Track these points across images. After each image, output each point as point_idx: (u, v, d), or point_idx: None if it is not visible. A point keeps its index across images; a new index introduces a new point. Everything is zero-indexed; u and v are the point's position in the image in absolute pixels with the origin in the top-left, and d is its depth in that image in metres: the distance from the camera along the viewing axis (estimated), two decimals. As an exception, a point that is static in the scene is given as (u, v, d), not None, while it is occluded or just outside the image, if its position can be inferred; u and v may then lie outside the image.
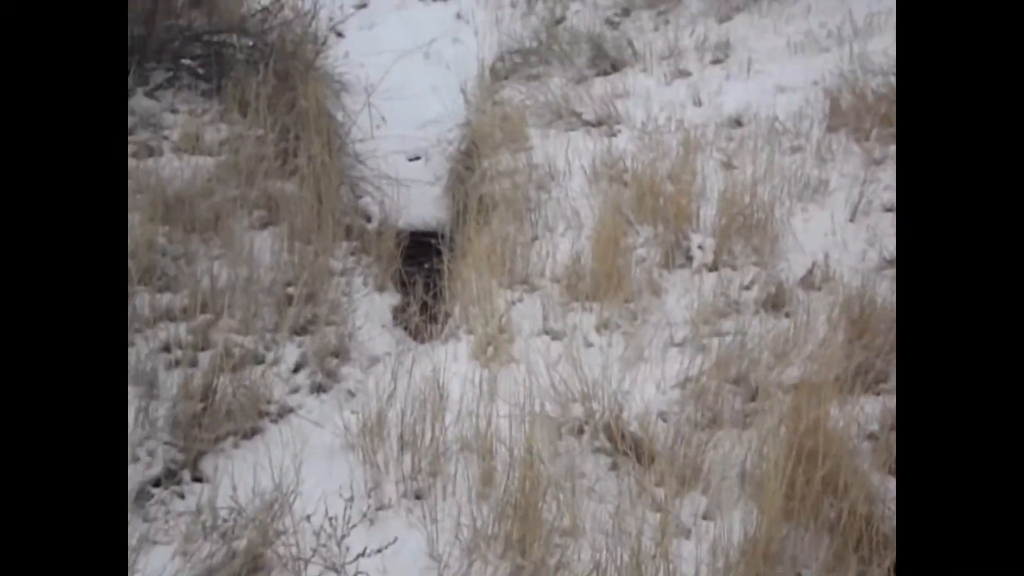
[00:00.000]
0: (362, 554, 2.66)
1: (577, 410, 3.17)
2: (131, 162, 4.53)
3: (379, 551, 2.69)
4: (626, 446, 2.95)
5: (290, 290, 4.05)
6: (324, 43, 5.93)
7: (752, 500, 2.73)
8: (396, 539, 2.78)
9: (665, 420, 3.08)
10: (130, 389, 3.42)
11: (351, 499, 2.90)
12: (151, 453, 3.22)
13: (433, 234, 5.16)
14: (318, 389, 3.69)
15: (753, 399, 3.11)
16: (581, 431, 3.14)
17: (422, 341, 4.08)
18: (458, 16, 7.94)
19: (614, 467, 3.01)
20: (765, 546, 2.50)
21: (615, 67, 5.94)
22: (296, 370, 3.74)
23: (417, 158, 6.06)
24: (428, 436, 3.20)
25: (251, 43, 5.40)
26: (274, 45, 5.50)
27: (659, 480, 2.85)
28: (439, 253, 4.68)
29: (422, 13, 7.99)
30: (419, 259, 4.66)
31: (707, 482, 2.84)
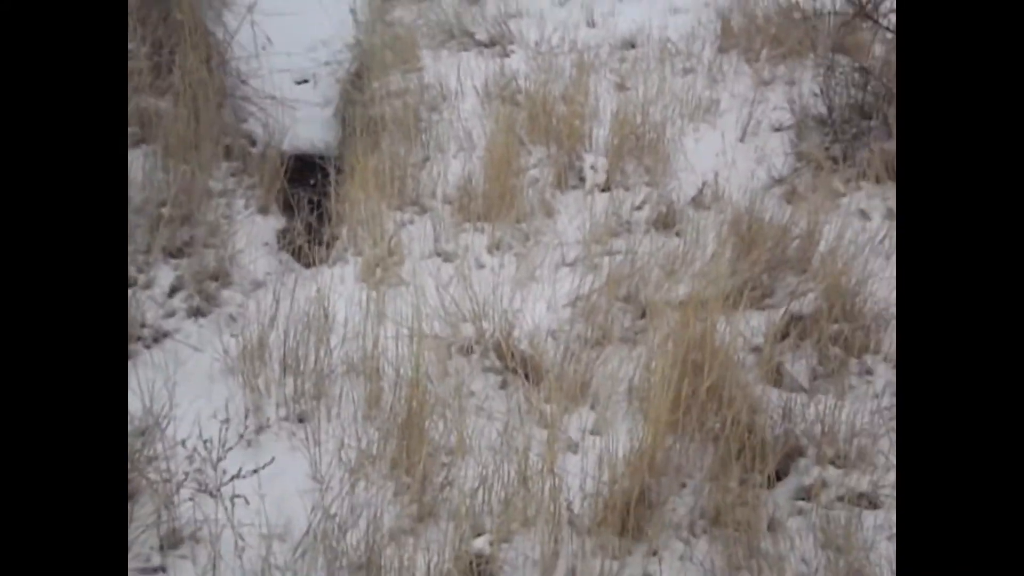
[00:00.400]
0: (237, 475, 2.55)
1: (468, 330, 3.10)
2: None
3: (255, 472, 2.59)
4: (516, 364, 2.90)
5: (164, 210, 3.84)
6: (201, -46, 5.60)
7: (639, 414, 2.71)
8: (273, 459, 2.69)
9: (555, 338, 3.04)
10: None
11: (227, 421, 2.78)
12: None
13: (321, 156, 5.01)
14: (196, 313, 3.53)
15: (643, 316, 3.09)
16: (471, 351, 3.07)
17: (308, 265, 3.94)
18: (352, -65, 7.66)
19: (503, 385, 2.96)
20: (651, 457, 2.49)
21: (508, -13, 5.79)
22: (171, 293, 3.57)
23: (305, 80, 5.83)
24: (312, 358, 3.09)
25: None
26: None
27: (548, 397, 2.81)
28: (326, 175, 4.53)
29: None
30: (305, 182, 4.48)
31: (595, 398, 2.82)
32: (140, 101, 4.38)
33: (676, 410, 2.53)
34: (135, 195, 3.84)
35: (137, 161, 4.08)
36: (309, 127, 5.27)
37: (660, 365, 2.60)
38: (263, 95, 5.29)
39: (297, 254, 4.01)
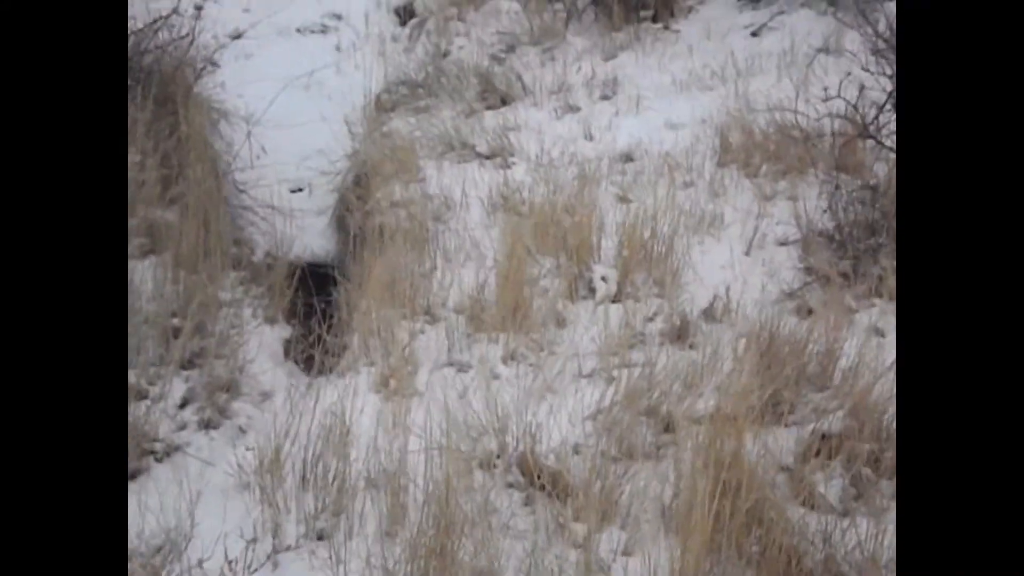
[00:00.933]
0: (269, 599, 2.49)
1: (489, 443, 3.08)
2: None
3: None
4: (541, 480, 2.88)
5: (175, 321, 3.83)
6: (204, 69, 5.72)
7: (673, 534, 2.69)
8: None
9: (578, 453, 3.02)
10: (1, 428, 3.15)
11: (253, 540, 2.73)
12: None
13: (322, 265, 5.04)
14: (207, 425, 3.50)
15: (666, 431, 3.09)
16: (493, 465, 3.05)
17: (316, 375, 3.92)
18: (337, 48, 7.84)
19: (528, 502, 2.93)
20: (690, 579, 2.47)
21: (504, 101, 5.94)
22: (183, 405, 3.53)
23: (300, 189, 5.91)
24: (331, 472, 3.05)
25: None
26: (151, 69, 5.26)
27: (576, 515, 2.78)
28: (332, 284, 4.55)
29: (301, 44, 7.85)
30: (311, 290, 4.49)
31: (625, 516, 2.79)
32: (149, 213, 4.41)
33: (714, 532, 2.51)
34: (146, 306, 3.83)
35: (147, 271, 4.09)
36: (307, 236, 5.33)
37: (695, 484, 2.60)
38: (263, 204, 5.36)
39: (305, 364, 4.00)
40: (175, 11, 5.42)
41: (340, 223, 5.53)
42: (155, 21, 5.33)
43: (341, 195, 5.74)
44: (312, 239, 5.42)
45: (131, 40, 5.27)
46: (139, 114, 4.73)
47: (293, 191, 5.84)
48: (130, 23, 5.60)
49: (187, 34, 5.45)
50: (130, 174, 4.46)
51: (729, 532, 2.50)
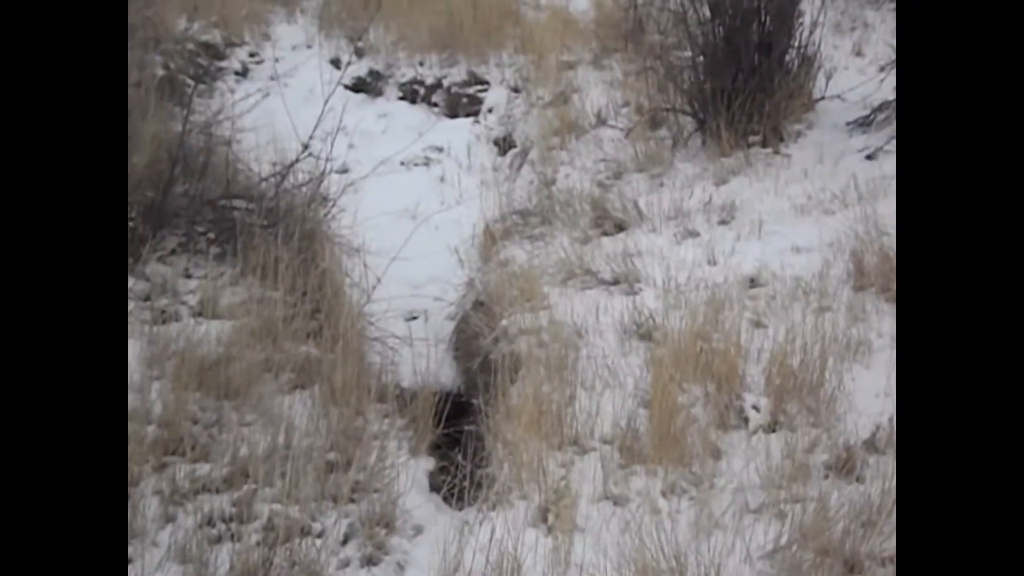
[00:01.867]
0: None
1: (668, 583, 3.02)
2: (152, 328, 4.40)
3: None
4: (733, 624, 2.80)
5: (330, 456, 3.88)
6: (334, 204, 5.93)
7: None
8: None
9: (762, 594, 2.94)
10: (178, 568, 3.21)
11: None
12: (209, 638, 2.97)
13: (453, 395, 5.08)
14: (368, 562, 3.50)
15: (850, 572, 3.00)
16: (673, 606, 2.98)
17: (463, 507, 3.92)
18: (441, 179, 8.09)
19: (716, 646, 2.85)
20: None
21: (620, 227, 6.02)
22: (345, 542, 3.55)
23: (415, 317, 6.02)
24: (507, 615, 3.02)
25: (265, 207, 5.37)
26: (286, 208, 5.48)
27: (773, 661, 2.70)
28: (469, 414, 4.57)
29: (405, 177, 8.12)
30: (450, 422, 4.51)
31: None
32: (293, 348, 4.53)
33: None
34: (301, 441, 3.89)
35: (297, 407, 4.17)
36: (431, 365, 5.39)
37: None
38: (389, 335, 5.46)
39: (451, 497, 3.99)
40: (310, 153, 5.66)
41: (461, 351, 5.60)
42: (292, 163, 5.57)
43: (458, 323, 5.83)
44: (437, 368, 5.47)
45: (271, 181, 5.53)
46: (282, 252, 4.91)
47: (408, 320, 5.95)
48: (260, 166, 5.89)
49: (320, 174, 5.67)
50: (277, 311, 4.61)
51: None
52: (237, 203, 5.31)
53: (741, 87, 6.45)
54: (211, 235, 5.17)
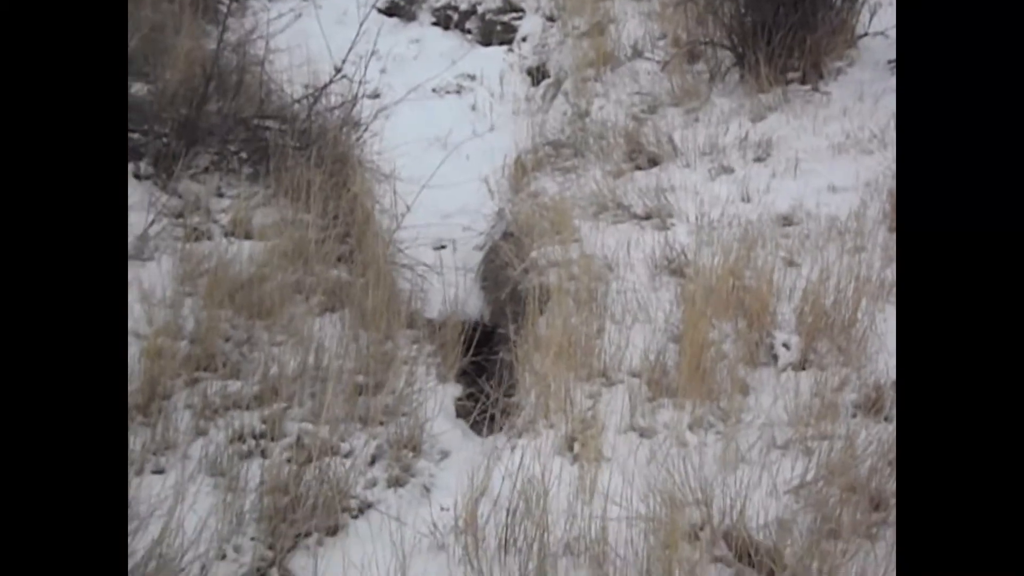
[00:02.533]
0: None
1: (692, 514, 3.04)
2: (184, 245, 4.42)
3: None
4: (757, 557, 2.82)
5: (360, 378, 3.91)
6: (365, 129, 5.89)
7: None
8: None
9: (787, 529, 2.95)
10: (209, 480, 3.26)
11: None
12: (238, 550, 3.03)
13: (481, 324, 5.09)
14: (395, 483, 3.54)
15: (876, 509, 3.01)
16: (696, 537, 3.00)
17: (488, 434, 3.95)
18: (473, 108, 8.03)
19: (738, 578, 2.87)
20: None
21: (654, 162, 5.95)
22: (372, 463, 3.59)
23: (443, 246, 6.02)
24: (532, 537, 3.05)
25: (297, 128, 5.34)
26: (319, 131, 5.45)
27: (795, 594, 2.72)
28: (497, 343, 4.59)
29: (437, 105, 8.07)
30: (479, 349, 4.53)
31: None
32: (324, 271, 4.54)
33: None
34: (331, 363, 3.92)
35: (327, 329, 4.19)
36: (464, 294, 5.39)
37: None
38: (419, 262, 5.46)
39: (478, 423, 4.02)
40: (343, 75, 5.61)
41: (489, 281, 5.60)
42: (326, 85, 5.52)
43: (487, 253, 5.81)
44: (464, 297, 5.47)
45: (302, 104, 5.49)
46: (314, 175, 4.90)
47: (437, 248, 5.95)
48: (293, 87, 5.85)
49: (353, 97, 5.62)
50: (309, 233, 4.61)
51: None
52: (270, 123, 5.29)
53: (782, 21, 6.31)
54: (244, 155, 5.16)
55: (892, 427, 3.36)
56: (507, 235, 5.72)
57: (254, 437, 3.50)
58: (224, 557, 2.99)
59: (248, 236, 4.65)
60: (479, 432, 4.03)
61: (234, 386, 3.71)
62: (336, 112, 5.60)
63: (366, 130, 5.80)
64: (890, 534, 2.89)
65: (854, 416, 3.47)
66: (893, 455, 3.19)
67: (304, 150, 5.14)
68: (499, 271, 5.46)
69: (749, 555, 2.88)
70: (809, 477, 3.15)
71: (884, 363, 3.70)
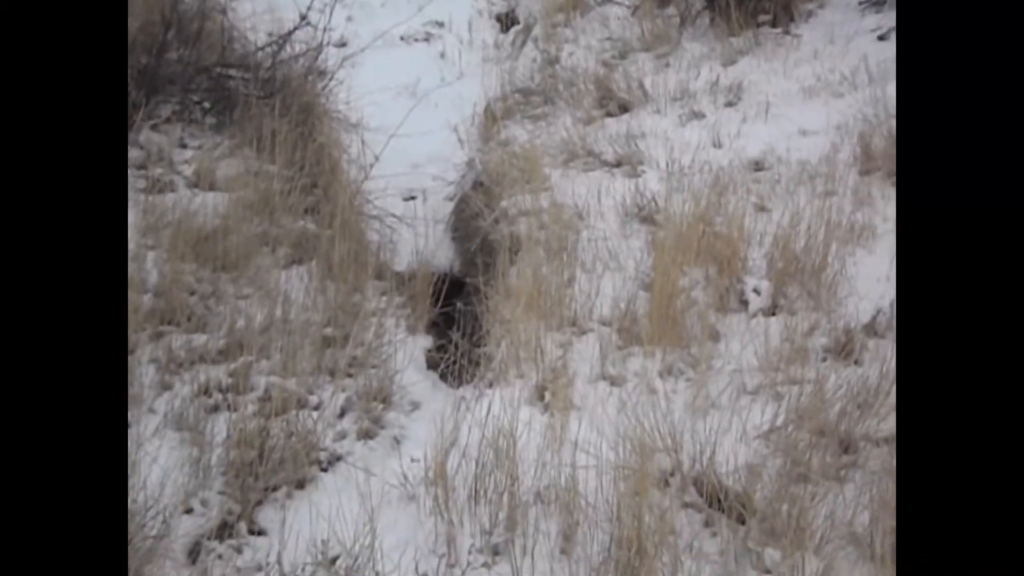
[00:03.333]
0: (476, 619, 2.49)
1: (662, 461, 3.04)
2: (147, 197, 4.33)
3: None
4: (727, 502, 2.82)
5: (327, 331, 3.86)
6: (330, 78, 5.77)
7: (874, 562, 2.62)
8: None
9: (756, 474, 2.95)
10: (175, 435, 3.23)
11: (443, 555, 2.73)
12: (205, 503, 3.01)
13: (450, 275, 5.04)
14: (365, 435, 3.52)
15: (846, 452, 3.01)
16: (667, 484, 3.00)
17: (459, 385, 3.93)
18: (442, 55, 7.89)
19: (709, 523, 2.88)
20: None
21: (625, 108, 5.89)
22: (341, 415, 3.56)
23: (413, 197, 5.94)
24: (502, 487, 3.04)
25: (261, 77, 5.22)
26: (283, 80, 5.33)
27: (765, 539, 2.72)
28: (467, 294, 4.54)
29: (405, 53, 7.91)
30: (449, 301, 4.48)
31: (820, 543, 2.72)
32: (290, 223, 4.47)
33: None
34: (298, 315, 3.86)
35: (294, 282, 4.13)
36: (434, 244, 5.33)
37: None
38: (388, 213, 5.39)
39: (449, 374, 3.99)
40: (307, 22, 5.48)
41: (460, 231, 5.54)
42: (290, 32, 5.40)
43: (457, 203, 5.75)
44: (434, 248, 5.41)
45: (265, 52, 5.36)
46: (278, 124, 4.80)
47: (406, 199, 5.87)
48: (257, 36, 5.71)
49: (317, 45, 5.50)
50: (274, 184, 4.53)
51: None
52: (233, 72, 5.17)
53: (753, -37, 6.23)
54: (206, 104, 5.04)
55: (861, 370, 3.36)
56: (477, 184, 5.66)
57: (221, 391, 3.46)
58: (191, 511, 2.96)
59: (212, 187, 4.57)
60: (450, 383, 4.00)
61: (199, 340, 3.65)
62: (301, 60, 5.47)
63: (332, 79, 5.68)
64: (859, 476, 2.90)
65: (824, 360, 3.47)
66: (862, 398, 3.20)
67: (268, 99, 5.04)
68: (469, 221, 5.40)
69: (719, 500, 2.88)
70: (779, 422, 3.15)
71: (854, 307, 3.70)
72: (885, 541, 2.60)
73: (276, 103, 4.93)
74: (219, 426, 3.28)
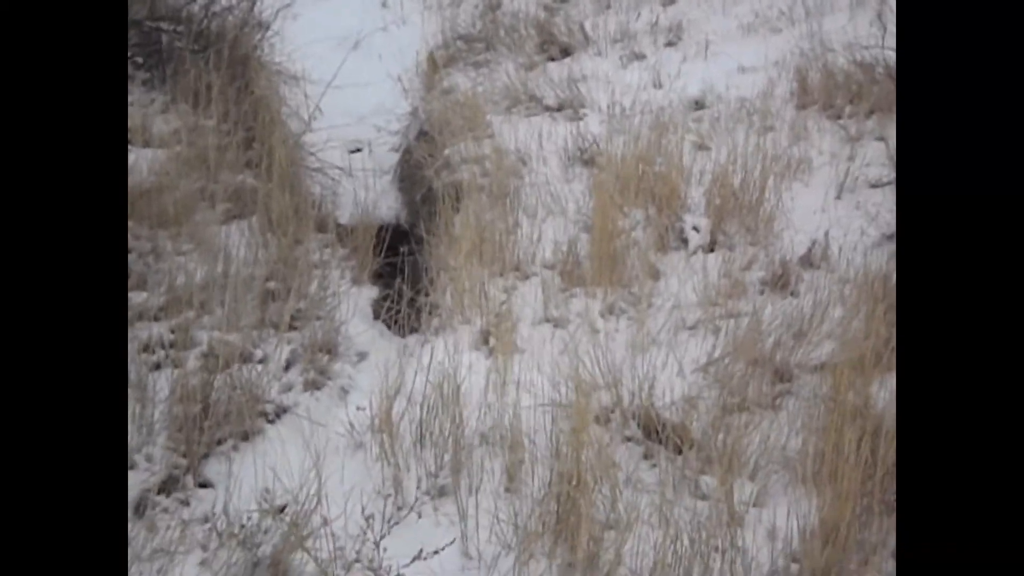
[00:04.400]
0: (419, 556, 2.53)
1: (603, 397, 3.09)
2: (80, 154, 4.25)
3: (436, 553, 2.55)
4: (660, 433, 2.88)
5: (270, 284, 3.85)
6: (267, 29, 5.67)
7: (804, 485, 2.69)
8: (453, 540, 2.66)
9: (692, 406, 3.01)
10: (117, 394, 3.19)
11: (389, 496, 2.76)
12: (150, 459, 3.01)
13: (401, 224, 5.03)
14: (312, 386, 3.52)
15: (781, 381, 3.08)
16: (607, 420, 3.05)
17: (408, 334, 3.94)
18: (384, 5, 7.77)
19: (648, 455, 2.94)
20: (836, 531, 2.45)
21: (566, 52, 5.88)
22: (287, 368, 3.56)
23: (359, 149, 5.90)
24: (447, 430, 3.07)
25: (194, 30, 5.12)
26: (217, 32, 5.24)
27: (701, 468, 2.79)
28: (411, 243, 4.54)
29: (346, 2, 7.79)
30: (394, 250, 4.48)
31: (753, 468, 2.79)
32: (229, 177, 4.42)
33: (864, 483, 2.50)
34: (240, 270, 3.84)
35: (235, 236, 4.10)
36: (375, 196, 5.31)
37: (834, 435, 2.60)
38: (331, 165, 5.35)
39: (394, 324, 4.01)
40: (238, -29, 5.37)
41: (406, 182, 5.52)
42: (219, -17, 5.29)
43: (403, 154, 5.72)
44: (379, 199, 5.39)
45: (196, 5, 5.25)
46: (213, 78, 4.73)
47: (352, 152, 5.83)
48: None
49: (250, -4, 5.40)
50: (211, 139, 4.47)
51: (878, 481, 2.50)
52: (164, 25, 5.06)
53: None
54: (138, 59, 4.94)
55: (797, 301, 3.42)
56: (421, 134, 5.63)
57: (163, 347, 3.44)
58: (135, 467, 2.96)
59: (147, 144, 4.49)
60: (396, 332, 4.01)
61: (139, 297, 3.62)
62: (235, 12, 5.37)
63: (268, 30, 5.58)
64: (793, 403, 2.96)
65: (761, 293, 3.53)
66: (797, 327, 3.26)
67: (202, 53, 4.94)
68: (414, 171, 5.38)
69: (657, 432, 2.94)
70: (716, 354, 3.20)
71: (790, 239, 3.76)
72: (815, 463, 2.67)
73: (211, 56, 4.84)
74: (162, 383, 3.26)
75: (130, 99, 4.78)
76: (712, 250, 3.81)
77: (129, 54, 4.94)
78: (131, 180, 4.12)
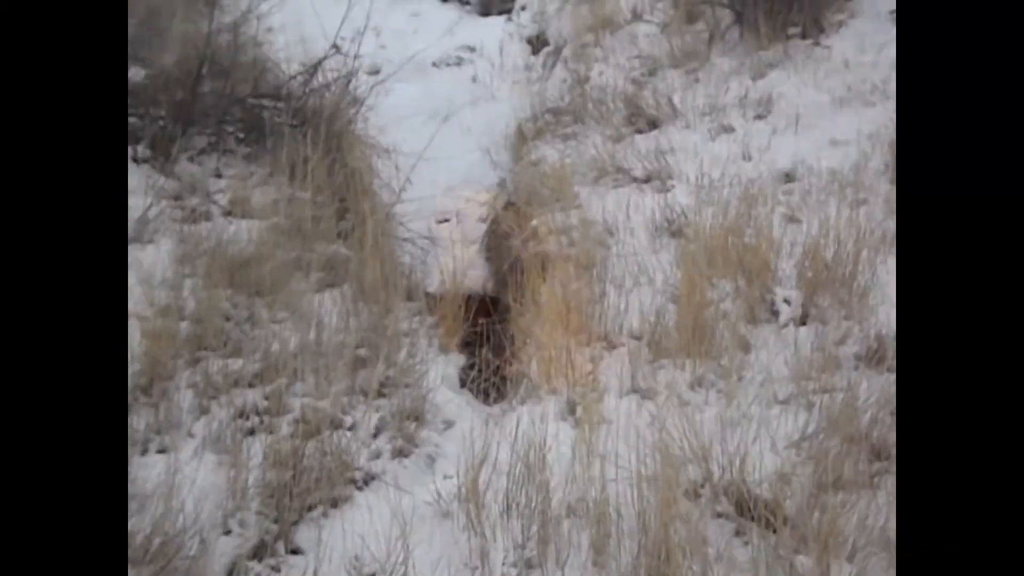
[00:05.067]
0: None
1: (693, 471, 3.03)
2: (183, 227, 4.43)
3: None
4: (757, 511, 2.81)
5: (360, 352, 3.91)
6: (361, 104, 5.86)
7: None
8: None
9: (786, 482, 2.94)
10: (213, 458, 3.28)
11: (476, 569, 2.75)
12: (243, 524, 3.05)
13: (487, 294, 5.09)
14: (399, 454, 3.55)
15: (878, 458, 2.99)
16: (698, 494, 3.00)
17: (494, 403, 3.96)
18: (473, 79, 7.99)
19: (740, 532, 2.87)
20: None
21: (654, 124, 5.91)
22: (376, 435, 3.60)
23: (447, 219, 6.00)
24: (533, 501, 3.05)
25: (293, 106, 5.33)
26: (315, 108, 5.43)
27: (796, 547, 2.71)
28: (498, 312, 4.58)
29: (437, 77, 8.02)
30: (477, 319, 4.52)
31: (851, 549, 2.70)
32: (324, 247, 4.54)
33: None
34: (332, 338, 3.92)
35: (327, 305, 4.20)
36: (465, 265, 5.38)
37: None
38: (420, 235, 5.46)
39: (481, 392, 4.03)
40: (337, 50, 5.59)
41: (493, 252, 5.59)
42: (320, 61, 5.50)
43: (490, 224, 5.80)
44: (467, 268, 5.47)
45: (296, 81, 5.47)
46: (310, 152, 4.89)
47: (440, 222, 5.94)
48: (289, 66, 5.82)
49: (348, 72, 5.59)
50: (306, 210, 4.62)
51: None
52: (265, 102, 5.28)
53: (780, -24, 6.24)
54: (240, 135, 5.15)
55: (895, 376, 3.33)
56: (509, 204, 5.72)
57: (257, 414, 3.51)
58: (229, 532, 3.01)
59: (246, 215, 4.66)
60: (483, 400, 4.03)
61: (236, 364, 3.72)
62: (332, 88, 5.57)
63: (363, 105, 5.76)
64: (891, 482, 2.87)
65: (856, 368, 3.45)
66: (894, 405, 3.17)
67: (300, 128, 5.13)
68: (502, 241, 5.45)
69: (749, 509, 2.87)
70: (810, 430, 3.13)
71: (886, 314, 3.67)
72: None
73: (308, 131, 5.02)
74: (255, 448, 3.33)
75: (231, 172, 4.98)
76: (804, 323, 3.75)
77: (231, 129, 5.16)
78: (230, 250, 4.28)
